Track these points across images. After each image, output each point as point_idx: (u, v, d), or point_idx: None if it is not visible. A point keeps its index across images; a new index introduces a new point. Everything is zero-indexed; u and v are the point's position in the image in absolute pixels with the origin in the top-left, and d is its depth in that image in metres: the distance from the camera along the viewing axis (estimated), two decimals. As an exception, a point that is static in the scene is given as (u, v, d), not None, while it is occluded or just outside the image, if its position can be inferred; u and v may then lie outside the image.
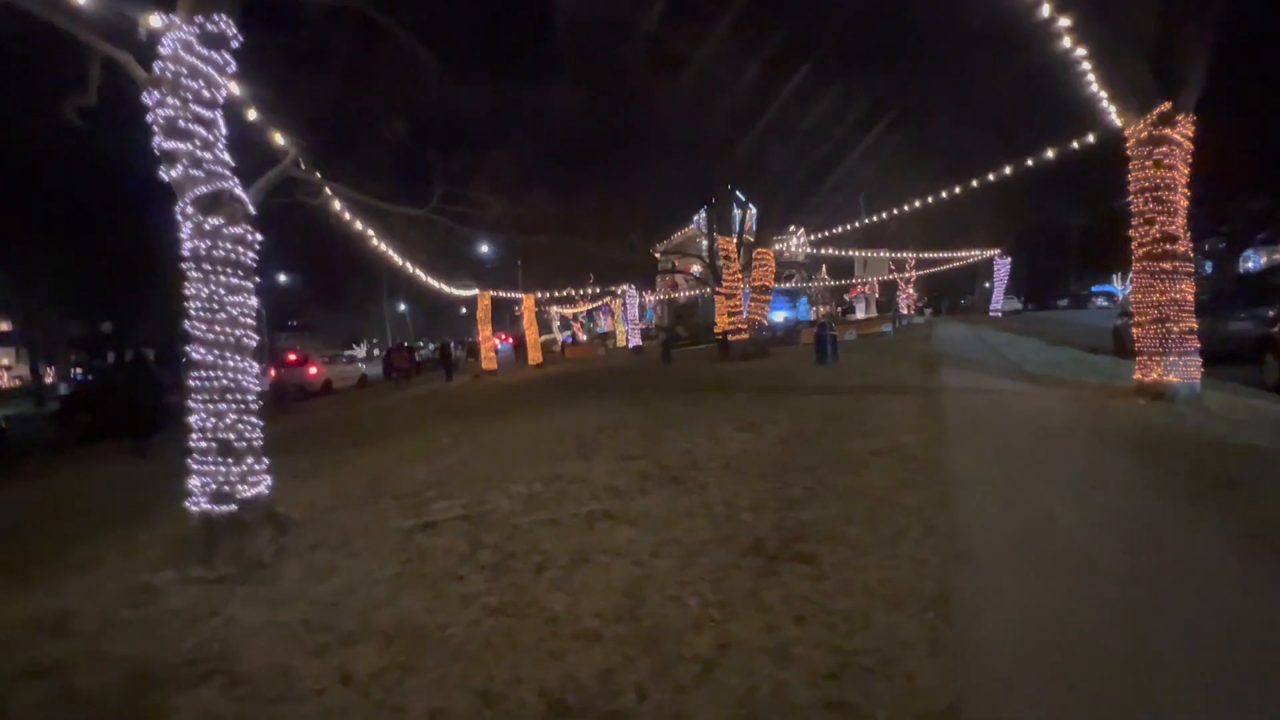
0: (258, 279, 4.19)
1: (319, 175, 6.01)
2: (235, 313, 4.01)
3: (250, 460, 4.05)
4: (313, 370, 19.89)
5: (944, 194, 17.34)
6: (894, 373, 11.56)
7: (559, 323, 44.86)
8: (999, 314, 29.54)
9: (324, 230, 11.00)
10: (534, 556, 3.66)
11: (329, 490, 5.96)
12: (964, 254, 28.89)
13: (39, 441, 13.63)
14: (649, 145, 21.18)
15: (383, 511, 4.94)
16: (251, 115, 4.93)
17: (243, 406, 4.02)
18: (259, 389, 4.20)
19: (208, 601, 3.33)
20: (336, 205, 7.34)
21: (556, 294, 29.74)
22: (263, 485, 4.15)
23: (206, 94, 3.93)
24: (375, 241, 9.22)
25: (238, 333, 4.02)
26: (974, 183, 16.00)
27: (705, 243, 30.82)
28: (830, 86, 18.91)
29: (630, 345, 28.03)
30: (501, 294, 23.90)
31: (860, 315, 37.48)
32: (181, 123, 3.83)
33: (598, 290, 29.63)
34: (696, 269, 36.62)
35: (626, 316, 28.99)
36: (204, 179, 3.87)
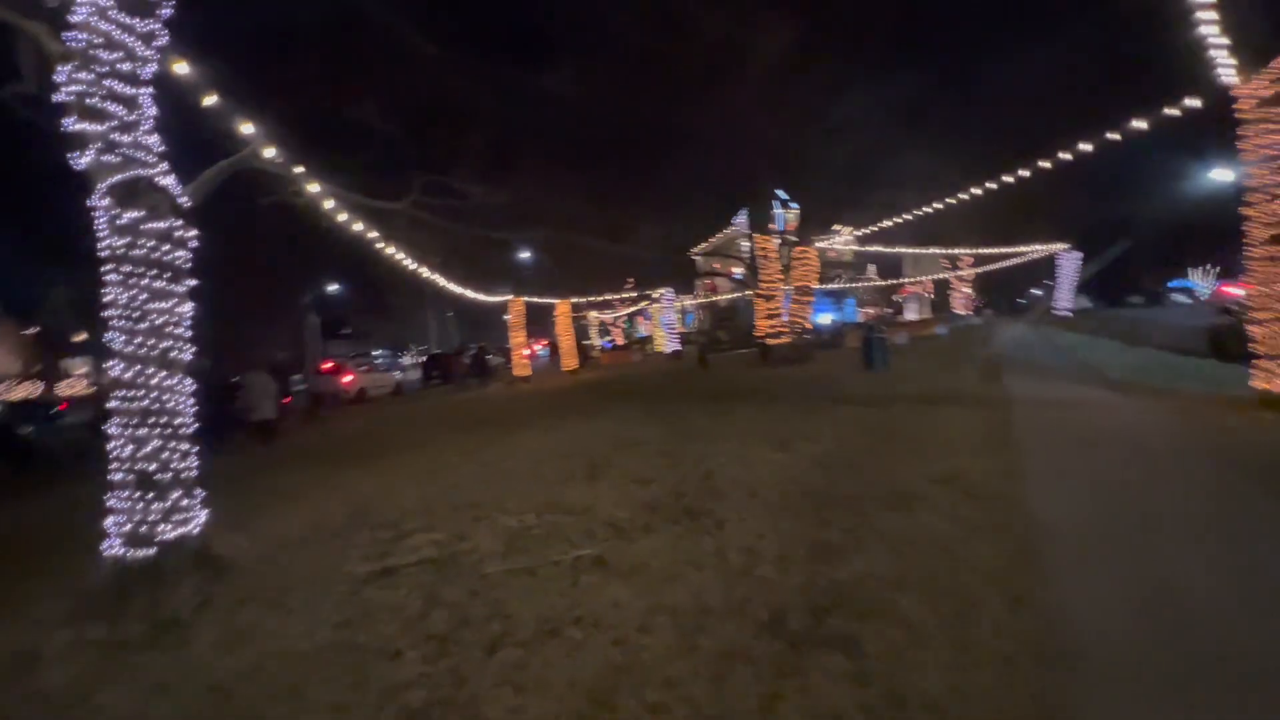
0: (192, 282, 3.61)
1: (297, 169, 5.46)
2: (160, 322, 3.43)
3: (176, 494, 3.45)
4: (347, 378, 19.87)
5: (1006, 179, 15.86)
6: (952, 380, 10.39)
7: (597, 328, 44.37)
8: (1068, 313, 27.30)
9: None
10: (493, 624, 2.91)
11: (307, 517, 5.38)
12: (1026, 249, 26.83)
13: (76, 452, 13.78)
14: (685, 139, 20.40)
15: (348, 548, 4.29)
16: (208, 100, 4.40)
17: (168, 432, 3.43)
18: (193, 410, 3.61)
19: (90, 677, 2.71)
20: (328, 204, 6.83)
21: (593, 298, 29.22)
22: (193, 524, 3.55)
23: (125, 67, 3.37)
24: (380, 244, 8.74)
25: (163, 345, 3.43)
26: (1045, 164, 14.52)
27: (746, 244, 29.79)
28: (879, 68, 17.73)
29: (668, 350, 27.21)
30: (536, 299, 23.45)
31: (912, 316, 35.62)
32: (93, 100, 3.28)
33: (634, 294, 28.94)
34: (738, 271, 35.60)
35: (664, 320, 28.20)
36: (119, 165, 3.31)
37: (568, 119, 16.30)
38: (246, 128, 4.57)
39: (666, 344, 27.68)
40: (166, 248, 3.44)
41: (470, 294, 16.93)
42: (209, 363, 14.54)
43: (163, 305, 3.44)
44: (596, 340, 43.28)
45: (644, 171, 20.66)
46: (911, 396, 8.89)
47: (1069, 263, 26.66)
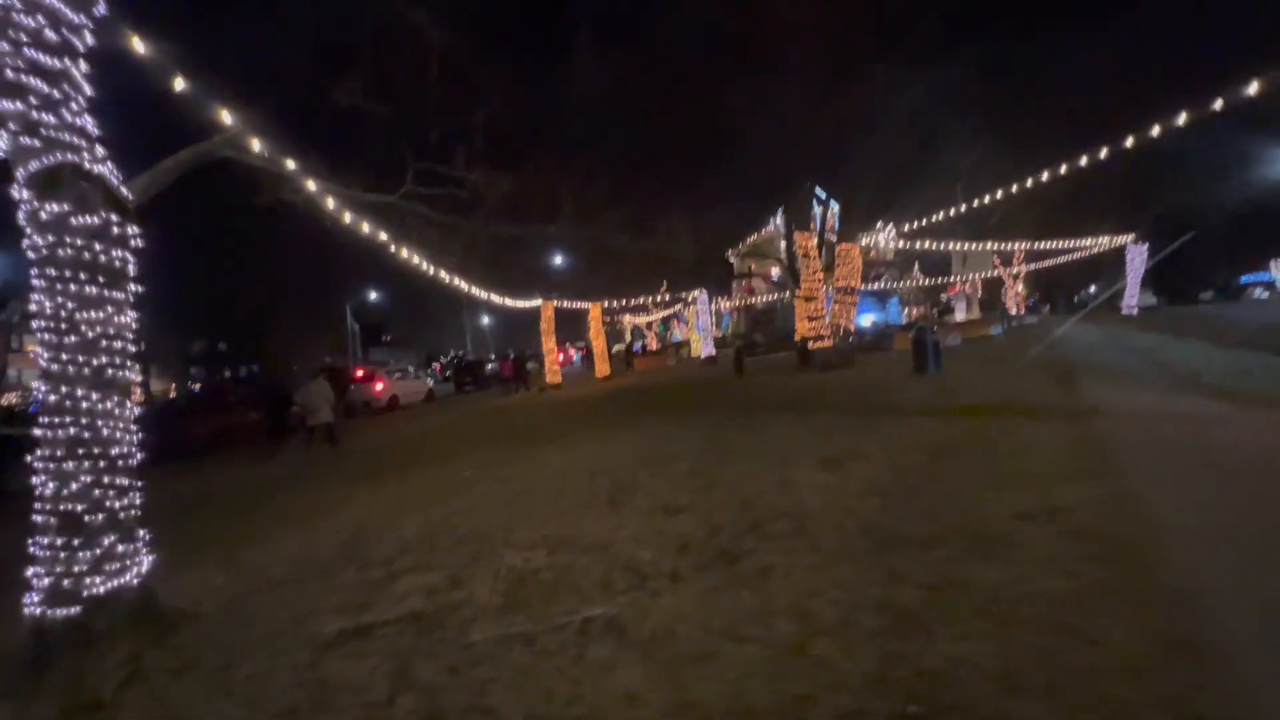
0: (135, 288, 3.08)
1: (283, 161, 4.92)
2: (93, 335, 2.90)
3: (111, 539, 2.92)
4: (379, 386, 19.75)
5: (1063, 168, 14.58)
6: (1018, 386, 9.33)
7: (631, 331, 43.81)
8: (1134, 311, 25.30)
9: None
10: (468, 722, 2.25)
11: (297, 548, 4.86)
12: (1088, 242, 24.94)
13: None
14: (721, 136, 19.62)
15: (328, 593, 3.72)
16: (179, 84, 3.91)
17: (102, 465, 2.90)
18: (134, 438, 3.07)
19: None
20: (329, 202, 6.35)
21: (628, 302, 28.61)
22: (132, 573, 3.00)
23: (51, 36, 2.87)
24: (392, 246, 8.26)
25: (96, 362, 2.90)
26: (1105, 150, 13.29)
27: (784, 244, 28.71)
28: (925, 54, 16.62)
29: (704, 355, 26.37)
30: (566, 304, 22.94)
31: (960, 316, 33.81)
32: (11, 73, 2.78)
33: (667, 297, 28.22)
34: (775, 272, 34.57)
35: (700, 324, 27.35)
36: (40, 149, 2.80)
37: (598, 112, 15.76)
38: (220, 115, 4.07)
39: (702, 348, 26.84)
40: (100, 247, 2.92)
41: (497, 299, 16.48)
42: (266, 370, 16.04)
43: (96, 315, 2.91)
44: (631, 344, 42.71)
45: (678, 169, 19.95)
46: (974, 406, 7.92)
47: (1137, 256, 24.70)
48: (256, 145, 4.30)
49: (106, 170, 2.99)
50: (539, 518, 4.96)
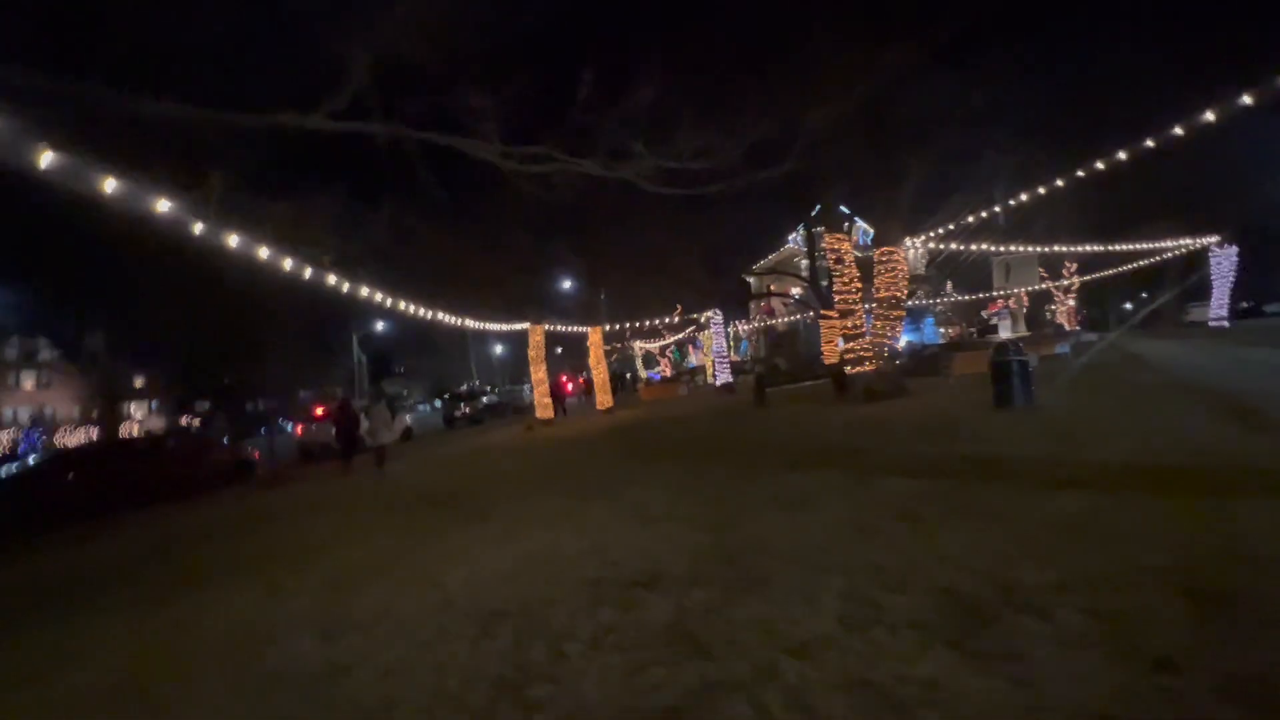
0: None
1: None
2: None
3: None
4: (334, 430, 17.07)
5: (1117, 161, 11.69)
6: (1180, 427, 6.20)
7: (642, 358, 40.86)
8: (1225, 323, 21.74)
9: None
10: None
11: None
12: (1167, 244, 21.53)
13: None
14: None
15: None
16: None
17: None
18: None
19: None
20: (110, 188, 3.59)
21: (638, 325, 25.80)
22: None
23: None
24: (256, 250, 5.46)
25: None
26: (1157, 140, 10.46)
27: (804, 262, 25.84)
28: (958, 49, 13.79)
29: (719, 382, 23.36)
30: (562, 328, 20.18)
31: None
32: None
33: (677, 320, 25.36)
34: (796, 291, 31.58)
35: (715, 348, 24.34)
36: None
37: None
38: None
39: (717, 375, 23.85)
40: None
41: (452, 319, 13.76)
42: (340, 394, 16.95)
43: None
44: (643, 372, 39.86)
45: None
46: (1150, 469, 4.85)
47: (1224, 260, 21.23)
48: None
49: None
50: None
